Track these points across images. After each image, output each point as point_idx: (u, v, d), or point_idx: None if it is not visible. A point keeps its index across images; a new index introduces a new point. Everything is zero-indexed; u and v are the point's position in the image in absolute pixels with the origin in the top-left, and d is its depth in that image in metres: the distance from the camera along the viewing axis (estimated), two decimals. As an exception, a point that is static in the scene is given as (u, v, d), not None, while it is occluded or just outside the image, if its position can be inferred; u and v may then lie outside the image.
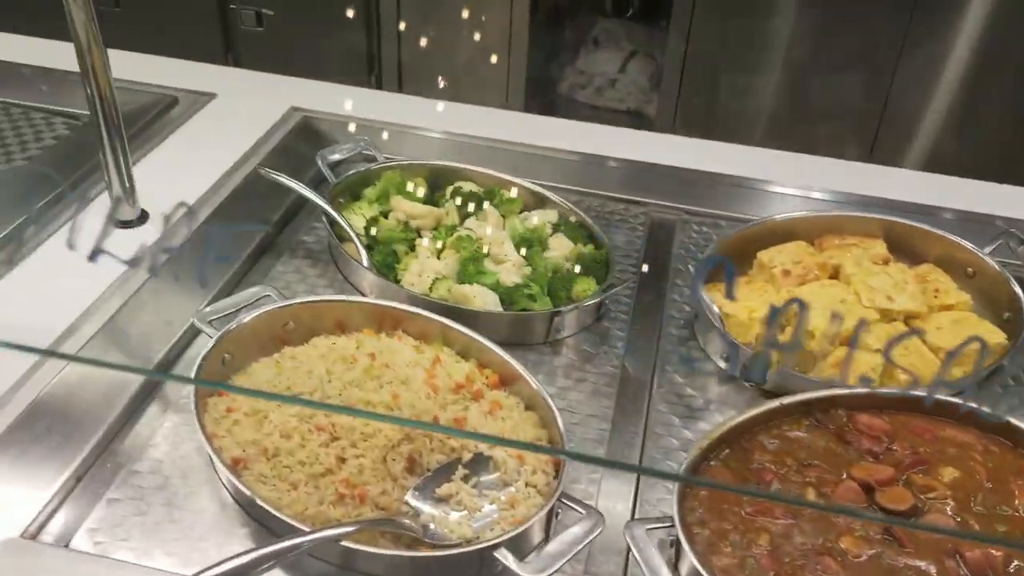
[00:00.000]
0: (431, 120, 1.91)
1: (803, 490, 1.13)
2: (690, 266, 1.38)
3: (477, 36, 3.84)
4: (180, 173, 1.70)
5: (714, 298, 1.36)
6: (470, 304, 1.35)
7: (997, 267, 1.49)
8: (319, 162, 1.63)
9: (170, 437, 1.19)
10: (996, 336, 1.40)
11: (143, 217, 1.58)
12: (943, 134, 3.49)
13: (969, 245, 1.53)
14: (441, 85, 3.77)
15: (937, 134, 3.50)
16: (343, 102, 1.98)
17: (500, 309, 1.38)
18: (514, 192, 1.61)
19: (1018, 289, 1.44)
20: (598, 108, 4.39)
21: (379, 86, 3.93)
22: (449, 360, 1.27)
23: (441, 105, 2.12)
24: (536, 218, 1.57)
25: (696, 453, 1.13)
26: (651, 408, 1.29)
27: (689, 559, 1.01)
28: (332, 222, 1.51)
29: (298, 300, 1.31)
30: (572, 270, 1.45)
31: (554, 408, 1.17)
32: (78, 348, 1.29)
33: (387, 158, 1.70)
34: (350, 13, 3.81)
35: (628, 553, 1.09)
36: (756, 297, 1.45)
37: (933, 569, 1.04)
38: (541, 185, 1.66)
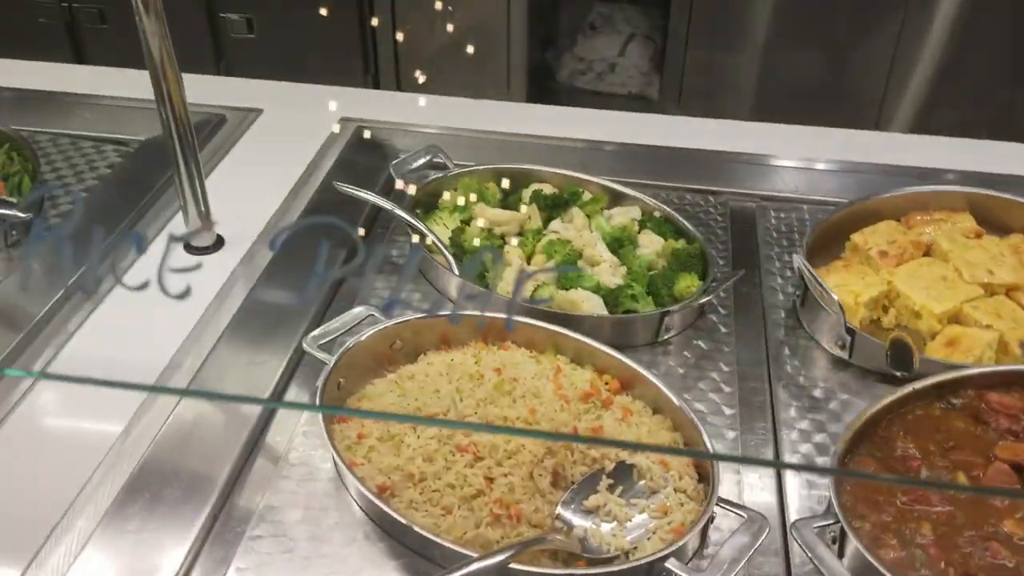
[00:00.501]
0: (483, 120, 1.89)
1: (953, 475, 1.12)
2: (795, 255, 1.36)
3: (473, 29, 3.79)
4: (245, 194, 1.66)
5: (826, 284, 1.33)
6: (579, 309, 1.33)
7: (1091, 233, 1.48)
8: (393, 173, 1.59)
9: (298, 468, 1.16)
10: (1103, 303, 1.38)
11: (219, 242, 1.54)
12: (948, 98, 3.46)
13: (1059, 212, 1.52)
14: (439, 78, 3.72)
15: (942, 98, 3.47)
16: (390, 108, 1.95)
17: (606, 312, 1.35)
18: (592, 191, 1.59)
19: (1118, 255, 1.43)
20: (600, 94, 4.36)
21: (376, 84, 3.88)
22: (569, 369, 1.25)
23: (490, 105, 2.09)
24: (619, 216, 1.54)
25: (843, 446, 1.12)
26: (774, 402, 1.27)
27: (859, 554, 1.00)
28: (419, 234, 1.48)
29: (407, 317, 1.28)
30: (671, 267, 1.43)
31: (688, 410, 1.15)
32: (188, 382, 1.26)
33: (457, 164, 1.66)
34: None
35: (787, 553, 1.07)
36: (857, 281, 1.43)
37: (1101, 545, 1.03)
38: (615, 181, 1.64)
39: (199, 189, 1.47)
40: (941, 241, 1.49)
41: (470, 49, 3.82)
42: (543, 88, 4.14)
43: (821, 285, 1.28)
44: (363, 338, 1.25)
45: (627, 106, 4.15)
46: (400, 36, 3.77)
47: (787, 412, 1.26)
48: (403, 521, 1.01)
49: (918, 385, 1.20)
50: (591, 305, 1.33)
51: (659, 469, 1.10)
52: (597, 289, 1.39)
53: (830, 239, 1.52)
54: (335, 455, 1.09)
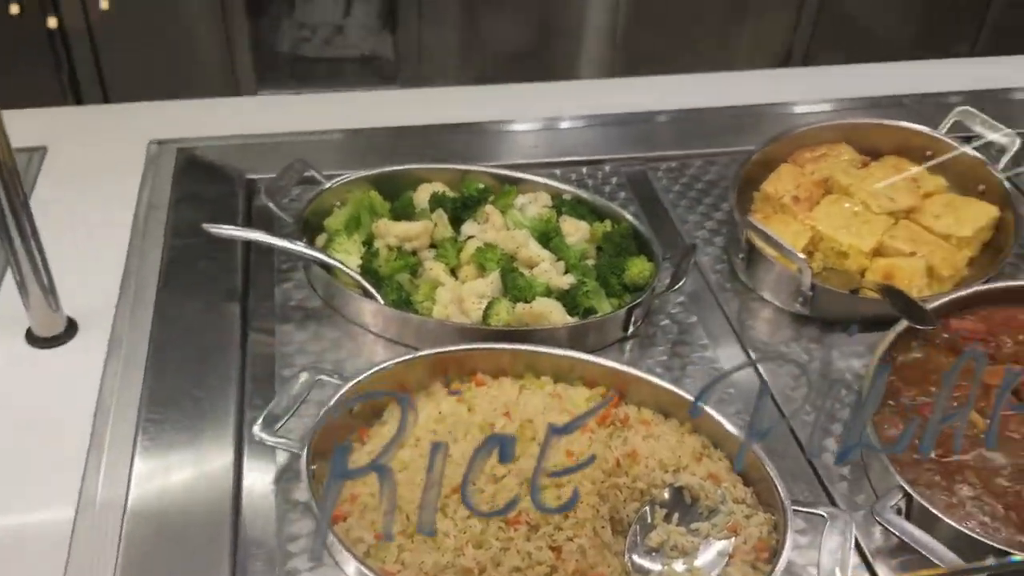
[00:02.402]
0: (324, 118, 1.66)
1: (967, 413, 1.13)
2: (746, 218, 1.31)
3: (181, 9, 3.36)
4: (75, 259, 1.32)
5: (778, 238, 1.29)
6: (548, 321, 1.20)
7: (956, 144, 1.56)
8: (267, 200, 1.34)
9: None
10: (991, 210, 1.47)
11: (71, 327, 1.23)
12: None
13: (925, 129, 1.59)
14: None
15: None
16: (205, 121, 1.66)
17: (569, 317, 1.23)
18: (487, 183, 1.44)
19: (987, 162, 1.52)
20: (331, 60, 4.11)
21: (77, 98, 3.35)
22: (564, 391, 1.12)
23: (316, 98, 1.86)
24: (532, 206, 1.41)
25: (870, 409, 1.09)
26: (761, 374, 1.23)
27: (933, 519, 0.98)
28: (326, 268, 1.27)
29: (368, 371, 1.08)
30: (609, 253, 1.33)
31: (717, 414, 1.07)
32: (125, 498, 0.99)
33: (327, 175, 1.44)
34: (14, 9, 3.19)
35: (854, 541, 1.03)
36: (784, 230, 1.41)
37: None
38: (504, 167, 1.50)
39: (38, 259, 1.15)
40: (839, 176, 1.51)
41: (183, 38, 3.37)
42: (270, 62, 3.80)
43: (786, 248, 1.24)
44: (329, 410, 1.04)
45: (362, 69, 3.94)
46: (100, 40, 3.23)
47: (780, 384, 1.22)
48: (487, 629, 0.85)
49: (899, 328, 1.20)
50: (559, 314, 1.21)
51: (710, 485, 1.02)
52: (547, 293, 1.26)
53: (744, 191, 1.49)
54: (358, 566, 0.90)
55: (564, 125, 1.71)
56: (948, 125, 1.60)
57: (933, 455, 1.07)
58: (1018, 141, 1.52)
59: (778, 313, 1.33)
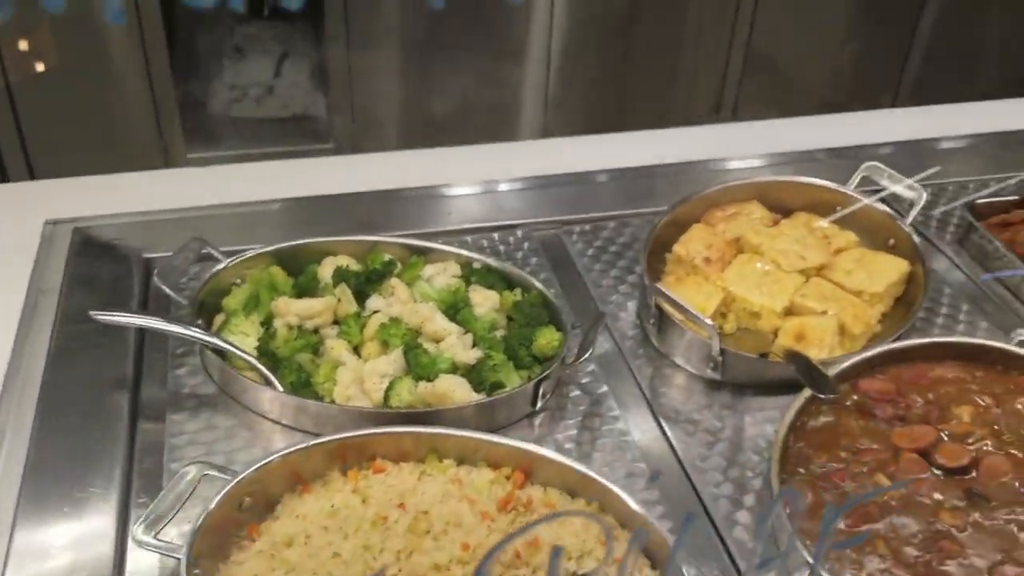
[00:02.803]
0: (228, 191, 1.62)
1: (874, 478, 1.12)
2: (653, 286, 1.28)
3: (106, 73, 3.32)
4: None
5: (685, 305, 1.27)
6: (452, 401, 1.16)
7: (864, 199, 1.57)
8: (160, 283, 1.29)
9: None
10: (901, 265, 1.47)
11: (-54, 424, 1.16)
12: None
13: (833, 185, 1.59)
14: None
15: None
16: (104, 198, 1.61)
17: (475, 395, 1.19)
18: (395, 253, 1.41)
19: (895, 216, 1.53)
20: (262, 120, 4.08)
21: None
22: (466, 475, 1.08)
23: (220, 170, 1.82)
24: (440, 277, 1.38)
25: (776, 480, 1.07)
26: (675, 447, 1.20)
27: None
28: (219, 352, 1.22)
29: (258, 464, 1.03)
30: (518, 323, 1.30)
31: (607, 483, 1.03)
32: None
33: (226, 252, 1.39)
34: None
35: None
36: (696, 293, 1.40)
37: None
38: (413, 236, 1.47)
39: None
40: (749, 235, 1.50)
41: (105, 98, 3.31)
42: (199, 124, 3.76)
43: (693, 314, 1.22)
44: (212, 508, 0.98)
45: (295, 129, 3.92)
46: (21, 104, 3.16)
47: (691, 455, 1.19)
48: None
49: (808, 393, 1.18)
50: (463, 391, 1.17)
51: (613, 571, 0.98)
52: (453, 369, 1.22)
53: (649, 255, 1.48)
54: None
55: (478, 190, 1.69)
56: (857, 180, 1.61)
57: (843, 525, 1.05)
58: (924, 194, 1.54)
59: (691, 379, 1.31)
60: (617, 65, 3.58)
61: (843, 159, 1.71)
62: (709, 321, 1.22)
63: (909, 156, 1.79)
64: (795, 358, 1.13)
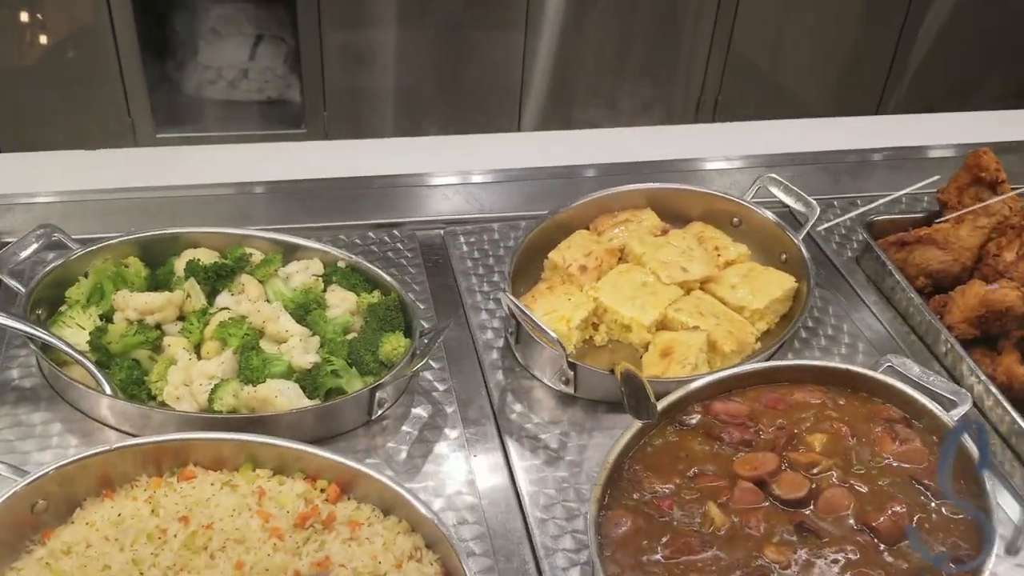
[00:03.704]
0: (101, 176, 1.57)
1: (704, 506, 1.06)
2: (503, 295, 1.23)
3: (74, 53, 3.28)
4: None
5: (536, 316, 1.22)
6: (274, 407, 1.11)
7: (760, 212, 1.51)
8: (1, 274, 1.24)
9: None
10: (787, 281, 1.42)
11: None
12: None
13: (730, 195, 1.54)
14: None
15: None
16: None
17: (307, 400, 1.14)
18: (260, 247, 1.36)
19: (788, 230, 1.47)
20: (236, 103, 4.03)
21: None
22: (273, 487, 1.03)
23: (105, 155, 1.76)
24: (299, 274, 1.33)
25: (595, 507, 1.02)
26: (511, 464, 1.15)
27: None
28: (43, 346, 1.17)
29: (49, 468, 0.98)
30: (370, 327, 1.25)
31: (419, 504, 0.99)
32: None
33: (79, 241, 1.34)
34: None
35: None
36: (564, 303, 1.35)
37: (855, 553, 1.02)
38: (284, 230, 1.42)
39: None
40: (633, 244, 1.45)
41: (76, 77, 3.29)
42: (171, 104, 3.72)
43: (538, 325, 1.17)
44: (-6, 510, 0.94)
45: (268, 112, 3.88)
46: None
47: (528, 475, 1.14)
48: None
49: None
50: (287, 397, 1.12)
51: (402, 585, 0.93)
52: (289, 373, 1.18)
53: (527, 259, 1.43)
54: None
55: (374, 185, 1.63)
56: (753, 191, 1.55)
57: (660, 557, 1.00)
58: (817, 210, 1.48)
59: (546, 393, 1.26)
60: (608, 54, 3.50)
61: (734, 170, 1.65)
62: (553, 334, 1.17)
63: (817, 168, 1.73)
64: (627, 378, 1.08)
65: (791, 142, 1.83)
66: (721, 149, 1.79)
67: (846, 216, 1.53)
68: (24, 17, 3.13)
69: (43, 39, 3.21)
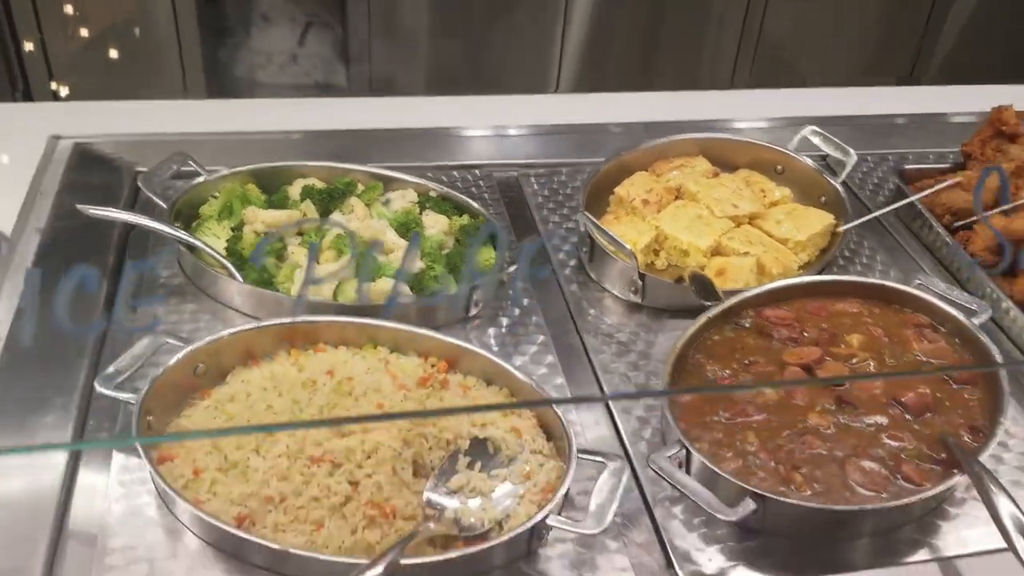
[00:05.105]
0: (219, 120, 1.77)
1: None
2: (580, 215, 1.42)
3: (139, 29, 3.51)
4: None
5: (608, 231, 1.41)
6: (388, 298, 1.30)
7: (801, 159, 1.70)
8: (142, 187, 1.45)
9: (128, 521, 1.03)
10: (826, 218, 1.60)
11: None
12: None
13: (774, 145, 1.72)
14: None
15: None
16: (104, 120, 1.76)
17: (415, 297, 1.34)
18: (361, 179, 1.55)
19: (827, 174, 1.65)
20: (284, 86, 4.24)
21: (28, 96, 3.48)
22: (395, 358, 1.22)
23: (214, 105, 1.97)
24: (397, 201, 1.52)
25: (667, 379, 1.20)
26: (589, 353, 1.34)
27: (706, 471, 1.09)
28: (191, 248, 1.37)
29: (209, 338, 1.18)
30: (462, 243, 1.44)
31: (519, 374, 1.17)
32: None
33: (210, 170, 1.54)
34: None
35: (639, 485, 1.13)
36: (630, 230, 1.53)
37: (885, 420, 1.19)
38: (379, 167, 1.61)
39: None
40: (688, 184, 1.64)
41: (139, 49, 3.51)
42: (223, 85, 3.94)
43: (614, 238, 1.36)
44: (167, 367, 1.13)
45: (316, 96, 4.08)
46: (30, 46, 3.37)
47: (602, 359, 1.33)
48: (275, 547, 0.94)
49: (711, 314, 1.31)
50: (399, 291, 1.31)
51: (512, 437, 1.12)
52: (398, 275, 1.37)
53: (594, 196, 1.61)
54: (173, 495, 0.99)
55: (453, 134, 1.83)
56: (796, 142, 1.74)
57: (723, 418, 1.18)
58: (855, 157, 1.66)
59: (615, 302, 1.44)
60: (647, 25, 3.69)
61: (780, 127, 1.84)
62: (627, 245, 1.35)
63: (852, 128, 1.91)
64: (696, 278, 1.26)
65: (825, 109, 2.00)
66: (761, 112, 1.97)
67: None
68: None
69: (110, 20, 3.44)
